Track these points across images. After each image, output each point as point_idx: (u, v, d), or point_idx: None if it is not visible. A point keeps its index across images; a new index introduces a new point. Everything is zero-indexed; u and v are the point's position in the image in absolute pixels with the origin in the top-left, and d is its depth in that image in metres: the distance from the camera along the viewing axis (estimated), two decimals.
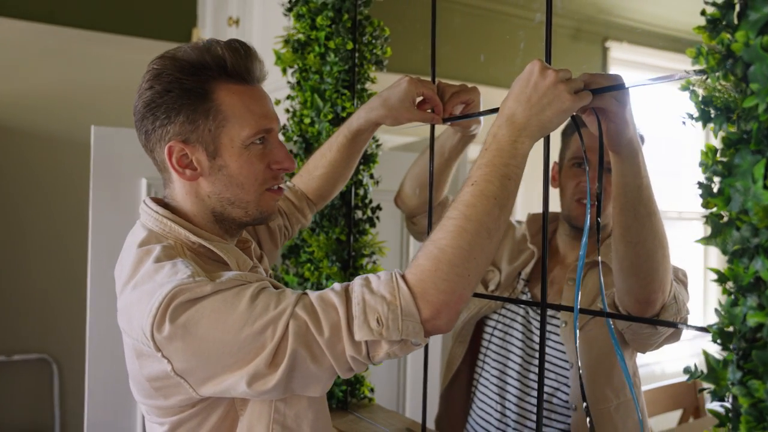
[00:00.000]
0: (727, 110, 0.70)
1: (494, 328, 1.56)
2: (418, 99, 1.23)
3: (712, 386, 0.70)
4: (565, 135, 1.52)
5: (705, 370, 0.72)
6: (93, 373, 1.74)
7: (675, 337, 1.28)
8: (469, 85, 1.26)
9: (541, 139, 1.09)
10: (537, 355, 1.45)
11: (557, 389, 1.44)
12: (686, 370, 0.74)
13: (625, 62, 4.07)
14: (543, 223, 1.12)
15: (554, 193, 1.55)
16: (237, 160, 0.99)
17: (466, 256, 0.86)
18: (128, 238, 1.05)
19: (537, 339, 1.47)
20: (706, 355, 0.72)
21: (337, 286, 0.90)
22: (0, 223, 2.93)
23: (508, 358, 1.52)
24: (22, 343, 2.98)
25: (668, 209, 3.57)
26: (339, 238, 1.56)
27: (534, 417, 1.44)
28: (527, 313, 1.50)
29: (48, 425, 3.04)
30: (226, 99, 0.97)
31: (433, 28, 1.30)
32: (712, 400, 0.71)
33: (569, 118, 1.04)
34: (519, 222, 1.69)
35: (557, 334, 1.44)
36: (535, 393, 1.45)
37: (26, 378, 3.00)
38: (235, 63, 0.98)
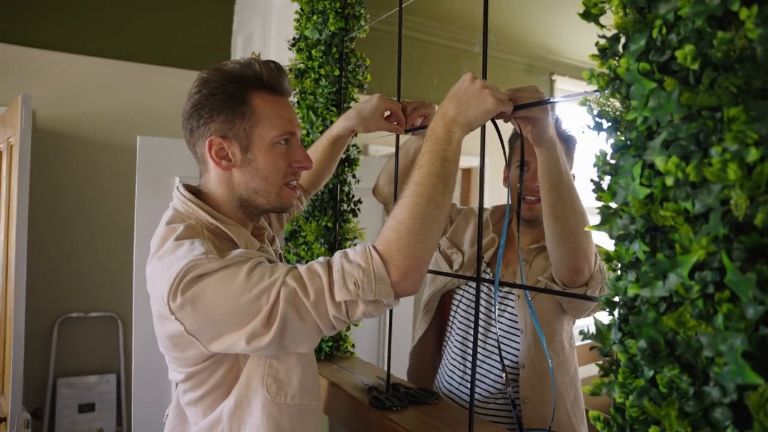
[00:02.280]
0: (615, 122, 0.67)
1: (460, 301, 1.49)
2: (386, 113, 1.20)
3: (599, 345, 0.67)
4: (511, 142, 1.45)
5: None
6: (138, 327, 1.73)
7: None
8: (426, 101, 1.23)
9: (480, 148, 1.06)
10: (495, 323, 1.39)
11: (509, 352, 1.37)
12: (581, 332, 0.71)
13: (567, 91, 4.02)
14: (479, 217, 1.08)
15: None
16: (264, 155, 0.94)
17: (421, 225, 0.82)
18: (163, 216, 1.00)
19: (495, 310, 1.40)
20: (595, 319, 0.69)
21: (321, 258, 0.86)
22: (77, 214, 2.93)
23: (470, 327, 1.46)
24: (95, 304, 2.99)
25: None
26: (327, 225, 1.52)
27: (491, 375, 1.38)
28: (489, 289, 1.43)
29: (115, 368, 3.04)
30: (260, 104, 0.93)
31: (399, 59, 1.27)
32: (599, 356, 0.68)
33: (492, 124, 1.01)
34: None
35: (513, 306, 1.37)
36: (493, 356, 1.38)
37: (99, 330, 3.00)
38: (270, 77, 0.94)
